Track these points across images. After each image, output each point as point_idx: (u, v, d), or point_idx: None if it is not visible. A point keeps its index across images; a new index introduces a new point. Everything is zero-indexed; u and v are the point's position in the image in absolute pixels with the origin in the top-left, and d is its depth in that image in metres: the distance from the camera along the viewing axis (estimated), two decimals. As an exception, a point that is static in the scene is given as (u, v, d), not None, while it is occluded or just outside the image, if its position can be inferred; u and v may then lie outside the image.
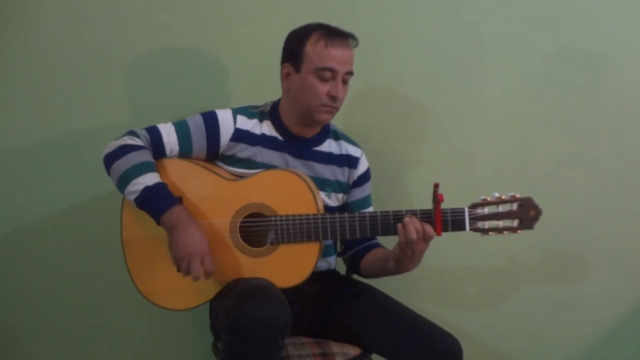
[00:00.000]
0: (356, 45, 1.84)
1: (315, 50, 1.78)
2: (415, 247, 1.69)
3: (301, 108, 1.82)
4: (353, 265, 1.97)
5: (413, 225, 1.68)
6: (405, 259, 1.72)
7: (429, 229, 1.69)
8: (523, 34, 2.25)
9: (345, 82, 1.81)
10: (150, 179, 1.71)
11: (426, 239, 1.69)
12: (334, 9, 2.19)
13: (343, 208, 1.96)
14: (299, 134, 1.87)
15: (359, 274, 1.96)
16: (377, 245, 1.94)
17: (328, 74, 1.77)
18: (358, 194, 1.96)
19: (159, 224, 1.71)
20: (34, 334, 2.32)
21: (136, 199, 1.70)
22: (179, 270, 1.71)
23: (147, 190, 1.69)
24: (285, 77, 1.84)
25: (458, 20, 2.26)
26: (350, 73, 1.81)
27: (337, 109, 1.82)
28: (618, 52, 2.26)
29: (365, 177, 1.97)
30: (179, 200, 1.75)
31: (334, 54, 1.77)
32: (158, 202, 1.70)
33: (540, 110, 2.28)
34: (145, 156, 1.75)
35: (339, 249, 2.01)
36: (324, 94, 1.78)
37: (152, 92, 2.25)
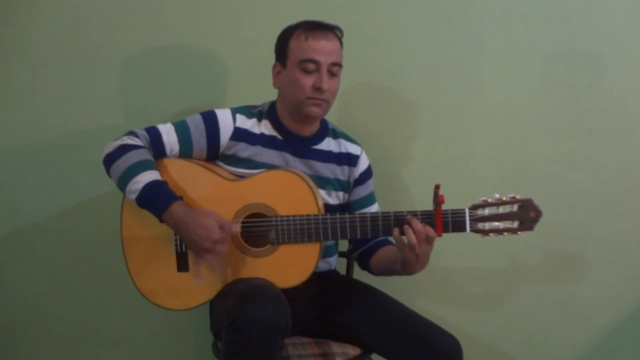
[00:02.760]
0: (341, 36, 1.84)
1: (297, 44, 1.80)
2: (418, 251, 1.69)
3: (291, 103, 1.83)
4: (363, 263, 1.97)
5: (413, 229, 1.68)
6: (410, 263, 1.72)
7: (430, 230, 1.68)
8: (523, 34, 2.25)
9: (333, 73, 1.81)
10: (148, 177, 1.70)
11: (429, 240, 1.69)
12: (334, 8, 2.19)
13: (344, 206, 1.96)
14: (296, 132, 1.88)
15: (370, 272, 1.96)
16: (386, 242, 1.94)
17: (311, 66, 1.78)
18: (361, 191, 1.97)
19: (161, 221, 1.71)
20: (34, 334, 2.32)
21: (137, 199, 1.70)
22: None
23: (146, 189, 1.69)
24: (275, 76, 1.87)
25: (458, 20, 2.26)
26: (337, 64, 1.81)
27: (325, 101, 1.82)
28: (618, 52, 2.26)
29: (367, 175, 1.98)
30: (179, 197, 1.74)
31: (315, 46, 1.78)
32: (158, 201, 1.69)
33: (540, 110, 2.28)
34: (144, 155, 1.75)
35: (348, 247, 2.02)
36: (308, 86, 1.79)
37: (152, 92, 2.25)
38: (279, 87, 1.86)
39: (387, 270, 1.86)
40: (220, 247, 1.68)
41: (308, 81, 1.79)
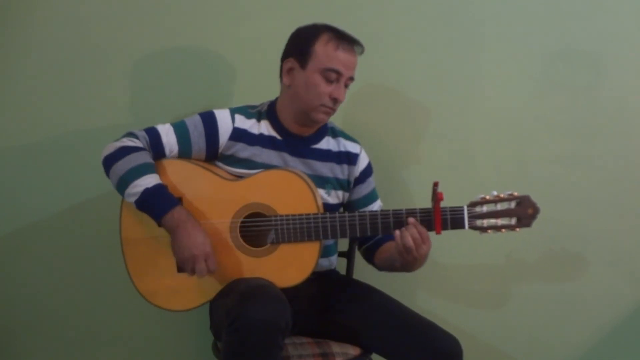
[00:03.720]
0: (361, 53, 1.85)
1: (325, 50, 1.78)
2: (415, 254, 1.69)
3: (301, 105, 1.82)
4: (368, 259, 1.97)
5: (409, 232, 1.68)
6: (408, 263, 1.73)
7: (422, 230, 1.69)
8: (523, 33, 2.25)
9: (346, 86, 1.83)
10: (149, 180, 1.71)
11: (424, 240, 1.69)
12: (335, 8, 2.19)
13: (344, 206, 1.96)
14: (296, 132, 1.88)
15: (375, 267, 1.96)
16: (388, 238, 1.92)
17: (334, 76, 1.78)
18: (363, 189, 1.97)
19: (160, 225, 1.72)
20: (34, 334, 2.32)
21: (136, 202, 1.70)
22: (183, 271, 1.73)
23: (147, 193, 1.69)
24: (287, 72, 1.84)
25: (459, 20, 2.26)
26: (352, 79, 1.83)
27: (334, 111, 1.84)
28: (618, 52, 2.26)
29: (367, 172, 1.98)
30: (179, 201, 1.75)
31: (343, 58, 1.78)
32: (158, 204, 1.70)
33: (540, 110, 2.28)
34: (145, 157, 1.75)
35: (348, 247, 2.03)
36: (326, 95, 1.79)
37: (153, 92, 2.25)
38: (290, 85, 1.84)
39: (389, 268, 1.87)
40: (199, 267, 1.70)
41: (327, 89, 1.79)
